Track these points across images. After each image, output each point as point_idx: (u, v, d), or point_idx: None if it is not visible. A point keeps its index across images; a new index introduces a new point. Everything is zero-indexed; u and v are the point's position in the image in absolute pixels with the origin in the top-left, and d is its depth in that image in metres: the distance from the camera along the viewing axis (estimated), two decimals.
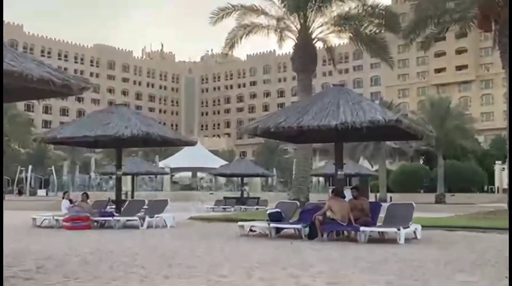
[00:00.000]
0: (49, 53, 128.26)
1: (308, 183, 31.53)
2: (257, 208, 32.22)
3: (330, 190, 15.71)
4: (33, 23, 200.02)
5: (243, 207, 33.60)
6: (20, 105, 77.89)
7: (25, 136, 53.97)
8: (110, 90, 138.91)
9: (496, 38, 25.55)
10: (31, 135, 50.20)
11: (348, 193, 15.39)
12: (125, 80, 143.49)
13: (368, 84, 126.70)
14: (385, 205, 15.29)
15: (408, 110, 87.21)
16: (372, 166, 55.36)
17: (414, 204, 14.55)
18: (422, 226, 14.54)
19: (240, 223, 15.55)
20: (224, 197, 38.28)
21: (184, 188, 60.28)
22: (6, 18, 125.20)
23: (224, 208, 33.73)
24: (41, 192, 67.05)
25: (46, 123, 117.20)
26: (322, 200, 19.36)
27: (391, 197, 49.27)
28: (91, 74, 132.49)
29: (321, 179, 58.30)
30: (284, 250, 11.50)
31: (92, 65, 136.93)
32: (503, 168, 53.09)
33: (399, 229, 13.01)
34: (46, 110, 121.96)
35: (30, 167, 66.77)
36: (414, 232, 13.94)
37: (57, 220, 18.04)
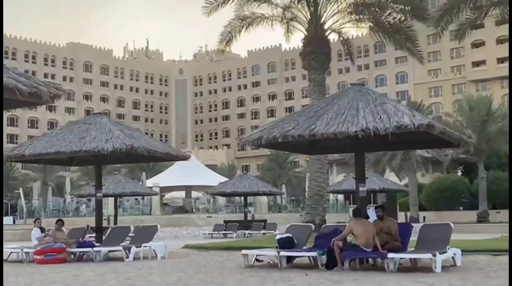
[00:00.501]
0: (13, 54, 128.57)
1: (324, 201, 31.42)
2: (264, 233, 32.18)
3: (350, 210, 15.66)
4: None
5: (247, 232, 33.56)
6: None
7: None
8: (87, 97, 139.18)
9: None
10: None
11: (372, 213, 15.34)
12: (104, 84, 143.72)
13: (393, 82, 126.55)
14: (417, 226, 15.23)
15: (441, 111, 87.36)
16: (400, 180, 55.18)
17: (452, 225, 14.46)
18: (463, 251, 14.47)
19: (244, 251, 15.46)
20: (225, 221, 38.26)
21: (177, 211, 60.27)
22: None
23: (225, 234, 33.69)
24: (8, 219, 66.97)
25: (11, 138, 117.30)
26: (342, 222, 19.32)
27: (424, 217, 49.16)
28: (64, 78, 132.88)
29: (340, 196, 58.15)
30: (297, 284, 11.44)
31: (65, 68, 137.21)
32: None
33: (434, 255, 12.92)
34: (12, 122, 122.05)
35: None
36: (453, 258, 13.86)
37: (27, 252, 18.01)
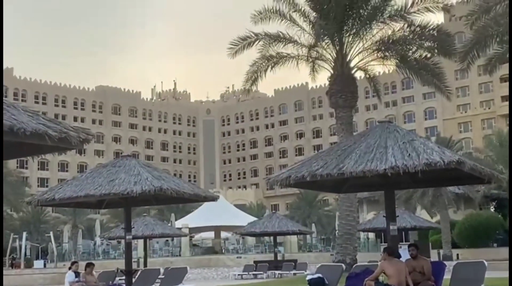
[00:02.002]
0: (44, 99, 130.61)
1: (355, 240, 31.18)
2: (294, 273, 31.94)
3: (381, 249, 15.47)
4: (25, 66, 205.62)
5: (277, 272, 33.32)
6: (11, 162, 79.07)
7: (18, 198, 54.71)
8: (116, 139, 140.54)
9: None
10: (24, 196, 50.93)
11: (404, 252, 15.17)
12: (132, 126, 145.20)
13: (421, 118, 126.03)
14: (450, 265, 15.01)
15: (471, 147, 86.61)
16: (432, 217, 54.55)
17: (486, 262, 14.24)
18: None
19: None
20: (255, 261, 38.03)
21: (207, 252, 60.18)
22: None
23: (255, 275, 33.48)
24: (38, 263, 67.31)
25: (42, 181, 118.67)
26: (373, 262, 19.11)
27: (457, 255, 48.42)
28: (94, 121, 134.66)
29: (371, 235, 57.57)
30: None
31: (94, 111, 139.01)
32: None
33: None
34: (42, 166, 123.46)
35: (24, 234, 67.35)
36: None
37: None
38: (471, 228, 56.73)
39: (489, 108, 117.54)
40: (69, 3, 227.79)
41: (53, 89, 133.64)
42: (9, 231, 71.43)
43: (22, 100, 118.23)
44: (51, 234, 68.85)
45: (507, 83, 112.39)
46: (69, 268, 20.15)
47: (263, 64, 31.23)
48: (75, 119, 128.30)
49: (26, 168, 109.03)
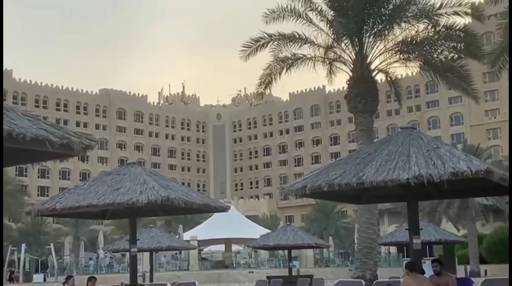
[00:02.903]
0: (44, 103, 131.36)
1: (375, 254, 31.06)
2: None
3: (404, 264, 15.45)
4: (25, 67, 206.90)
5: None
6: (10, 170, 79.41)
7: (17, 207, 55.02)
8: (121, 145, 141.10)
9: None
10: (24, 206, 51.18)
11: (428, 268, 15.12)
12: (138, 132, 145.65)
13: (447, 124, 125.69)
14: (478, 281, 14.95)
15: (501, 155, 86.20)
16: (458, 230, 54.33)
17: None
18: None
19: None
20: (268, 277, 37.92)
21: (216, 266, 60.14)
22: None
23: None
24: (38, 277, 67.57)
25: (42, 190, 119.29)
26: (395, 278, 19.06)
27: (485, 271, 48.21)
28: (97, 127, 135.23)
29: (392, 249, 57.41)
30: None
31: (98, 116, 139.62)
32: None
33: None
34: (43, 173, 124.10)
35: (23, 246, 67.65)
36: None
37: None
38: (500, 243, 56.39)
39: None
40: (72, 3, 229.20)
41: (55, 92, 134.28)
42: (8, 243, 71.76)
43: (21, 104, 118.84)
44: (52, 246, 69.07)
45: None
46: (64, 284, 20.23)
47: (278, 66, 31.15)
48: (78, 124, 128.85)
49: (26, 176, 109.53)
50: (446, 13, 29.61)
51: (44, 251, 74.93)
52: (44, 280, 63.58)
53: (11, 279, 67.45)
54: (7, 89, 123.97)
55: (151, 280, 34.52)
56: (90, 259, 65.19)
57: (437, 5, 29.51)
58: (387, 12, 30.03)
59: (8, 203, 55.57)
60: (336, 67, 31.16)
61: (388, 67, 31.40)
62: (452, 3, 29.46)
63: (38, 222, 76.43)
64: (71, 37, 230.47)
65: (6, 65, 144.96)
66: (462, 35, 30.06)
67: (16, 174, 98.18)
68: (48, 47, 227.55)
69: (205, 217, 62.87)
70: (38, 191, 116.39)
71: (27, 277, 66.56)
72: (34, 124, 7.81)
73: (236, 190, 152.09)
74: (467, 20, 30.50)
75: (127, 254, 22.90)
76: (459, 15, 29.80)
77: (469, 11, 29.81)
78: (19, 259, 68.07)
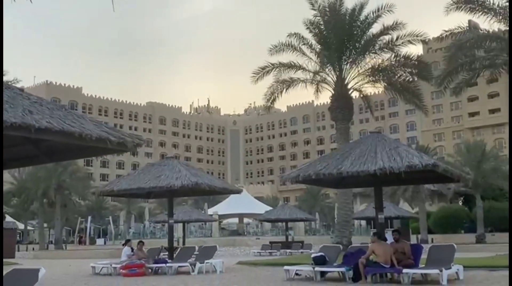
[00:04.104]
0: (105, 112, 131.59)
1: (350, 226, 30.97)
2: (301, 252, 31.77)
3: (371, 233, 15.34)
4: (91, 85, 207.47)
5: (288, 251, 33.17)
6: (80, 161, 79.59)
7: (85, 189, 55.05)
8: (162, 144, 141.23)
9: None
10: (90, 188, 51.27)
11: (389, 236, 15.04)
12: (175, 134, 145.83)
13: (404, 130, 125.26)
14: (426, 247, 14.88)
15: (444, 153, 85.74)
16: (412, 208, 54.21)
17: (455, 245, 14.08)
18: (464, 267, 14.04)
19: (285, 267, 15.27)
20: (270, 242, 37.91)
21: (232, 234, 60.03)
22: (67, 82, 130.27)
23: (270, 253, 33.36)
24: (100, 241, 67.72)
25: (103, 177, 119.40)
26: (365, 243, 18.96)
27: (432, 239, 47.99)
28: (144, 130, 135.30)
29: (363, 222, 57.21)
30: None
31: (145, 122, 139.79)
32: None
33: (441, 270, 12.56)
34: (104, 164, 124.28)
35: (89, 218, 67.84)
36: (456, 273, 13.45)
37: (114, 267, 18.15)
38: (443, 218, 56.37)
39: (458, 122, 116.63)
40: (126, 40, 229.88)
41: (113, 104, 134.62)
42: (77, 215, 71.94)
43: (89, 113, 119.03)
44: (110, 218, 69.26)
45: (473, 102, 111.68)
46: (123, 245, 20.21)
47: (279, 86, 31.20)
48: (130, 128, 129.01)
49: (91, 165, 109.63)
50: (402, 43, 29.55)
51: (104, 222, 75.07)
52: (104, 243, 63.71)
53: (80, 242, 67.64)
54: (78, 102, 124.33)
55: (183, 244, 34.53)
56: (144, 226, 65.26)
57: (395, 38, 29.53)
58: (360, 45, 29.98)
59: (78, 186, 55.59)
60: (322, 86, 31.14)
61: (361, 87, 31.37)
62: (406, 35, 29.49)
63: (100, 200, 76.52)
64: (126, 62, 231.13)
65: (77, 83, 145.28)
66: (416, 63, 30.02)
67: (84, 165, 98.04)
68: (108, 69, 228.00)
69: (224, 197, 62.70)
70: (100, 177, 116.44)
71: (91, 241, 66.74)
72: (98, 128, 7.82)
73: (247, 177, 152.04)
74: (419, 50, 30.42)
75: (166, 224, 22.91)
76: (412, 43, 29.74)
77: (418, 39, 29.71)
78: (86, 227, 68.24)
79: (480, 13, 24.91)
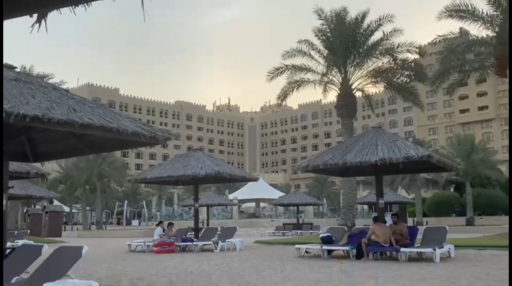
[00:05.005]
0: (139, 109, 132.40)
1: (354, 210, 30.86)
2: (311, 232, 31.73)
3: (372, 216, 15.29)
4: (127, 86, 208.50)
5: (299, 231, 33.15)
6: (117, 152, 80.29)
7: (122, 177, 55.48)
8: (188, 137, 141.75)
9: None
10: (126, 176, 51.68)
11: (388, 219, 14.98)
12: (200, 129, 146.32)
13: (402, 125, 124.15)
14: (421, 229, 14.78)
15: (438, 146, 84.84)
16: (409, 195, 53.81)
17: (447, 227, 14.00)
18: (455, 246, 13.95)
19: (297, 246, 15.31)
20: (283, 224, 37.93)
21: (250, 216, 60.16)
22: (106, 84, 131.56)
23: (283, 233, 33.37)
24: (135, 222, 68.41)
25: (138, 166, 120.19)
26: (367, 225, 18.91)
27: (427, 221, 47.65)
28: (173, 125, 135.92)
29: (365, 206, 56.99)
30: (335, 270, 11.23)
31: (173, 118, 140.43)
32: None
33: (435, 249, 12.51)
34: (138, 155, 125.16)
35: (126, 202, 68.48)
36: (448, 252, 13.37)
37: (148, 246, 18.33)
38: (436, 203, 55.94)
39: (450, 118, 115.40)
40: (157, 47, 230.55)
41: (146, 103, 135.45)
42: (115, 200, 72.61)
43: (125, 110, 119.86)
44: (144, 202, 69.87)
45: (464, 100, 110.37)
46: (156, 225, 20.38)
47: (291, 86, 31.10)
48: (160, 123, 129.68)
49: (127, 156, 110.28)
50: (401, 50, 29.28)
51: (139, 205, 75.73)
52: (139, 224, 64.37)
53: (118, 223, 68.35)
54: (115, 101, 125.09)
55: (207, 225, 34.75)
56: (173, 209, 65.73)
57: (396, 45, 29.25)
58: (363, 51, 29.74)
59: (116, 174, 56.02)
60: (329, 87, 30.96)
61: (363, 87, 31.17)
62: (405, 44, 29.22)
63: (135, 187, 77.03)
64: (157, 66, 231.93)
65: (115, 84, 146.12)
66: (412, 66, 29.70)
67: (121, 156, 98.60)
68: (142, 72, 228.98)
69: (243, 184, 62.77)
70: (135, 167, 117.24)
71: (128, 222, 67.43)
72: (133, 124, 7.86)
73: (263, 167, 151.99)
74: (416, 56, 30.03)
75: (192, 208, 23.04)
76: (410, 52, 29.48)
77: (416, 49, 29.47)
78: (123, 210, 68.91)
79: (470, 20, 24.60)
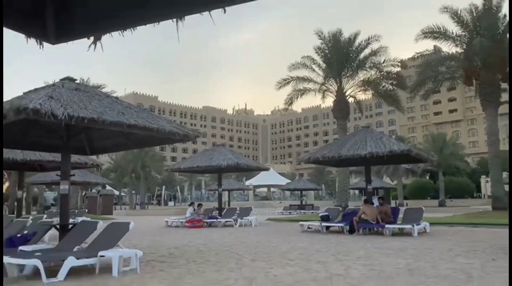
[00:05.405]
0: (174, 113, 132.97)
1: (347, 194, 30.74)
2: (312, 212, 31.70)
3: (362, 199, 15.20)
4: (164, 94, 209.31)
5: (302, 211, 33.14)
6: (157, 147, 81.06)
7: (160, 167, 55.87)
8: (213, 135, 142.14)
9: (477, 90, 24.58)
10: (164, 166, 52.02)
11: (375, 201, 14.87)
12: (222, 128, 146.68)
13: (386, 125, 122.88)
14: (402, 209, 14.67)
15: (416, 142, 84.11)
16: (392, 181, 53.36)
17: (423, 208, 13.89)
18: (430, 223, 13.85)
19: (300, 223, 15.33)
20: (289, 205, 37.93)
21: (262, 199, 60.29)
22: (147, 92, 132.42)
23: (290, 212, 33.36)
24: (171, 203, 68.84)
25: (173, 158, 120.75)
26: (358, 206, 18.83)
27: (406, 203, 47.25)
28: (201, 126, 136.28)
29: (356, 191, 56.71)
30: (332, 242, 11.22)
31: (201, 120, 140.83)
32: (487, 180, 49.80)
33: (413, 226, 12.41)
34: (173, 149, 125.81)
35: (163, 187, 68.92)
36: (424, 228, 13.26)
37: (181, 222, 18.47)
38: (415, 188, 55.48)
39: (426, 119, 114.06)
40: (187, 60, 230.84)
41: (179, 108, 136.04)
42: (155, 185, 73.09)
43: (163, 114, 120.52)
44: (178, 187, 70.25)
45: (437, 105, 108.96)
46: (189, 206, 20.51)
47: (295, 93, 31.03)
48: (191, 124, 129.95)
49: (164, 150, 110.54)
50: (386, 65, 29.05)
51: (174, 190, 76.15)
52: (174, 205, 64.74)
53: (157, 204, 68.79)
54: (155, 106, 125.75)
55: (229, 205, 34.84)
56: (201, 193, 66.04)
57: (382, 61, 29.01)
58: (354, 64, 29.54)
59: (155, 165, 56.46)
60: (326, 94, 30.82)
61: (355, 94, 30.96)
62: (389, 59, 28.98)
63: (171, 175, 77.36)
64: (188, 77, 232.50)
65: (155, 93, 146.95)
66: (395, 76, 29.42)
67: (159, 150, 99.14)
68: (176, 82, 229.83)
69: (257, 173, 62.84)
70: (171, 159, 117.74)
71: (165, 203, 67.83)
72: (169, 124, 7.92)
73: (273, 159, 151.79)
74: (398, 68, 29.78)
75: (217, 192, 23.19)
76: (393, 65, 29.22)
77: (398, 63, 29.24)
78: (161, 194, 69.35)
79: (443, 40, 24.40)
